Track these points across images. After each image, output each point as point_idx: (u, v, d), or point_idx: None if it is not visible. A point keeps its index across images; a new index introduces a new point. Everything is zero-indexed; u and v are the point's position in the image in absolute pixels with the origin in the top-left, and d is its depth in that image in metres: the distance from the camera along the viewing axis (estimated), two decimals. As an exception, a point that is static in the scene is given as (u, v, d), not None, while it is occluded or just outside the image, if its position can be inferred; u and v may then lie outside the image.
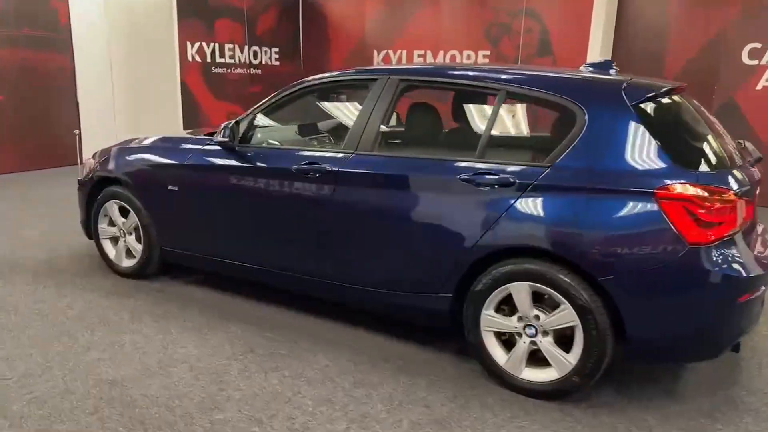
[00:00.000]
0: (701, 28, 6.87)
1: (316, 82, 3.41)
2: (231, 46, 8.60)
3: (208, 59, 8.31)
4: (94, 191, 4.13)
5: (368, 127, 3.12)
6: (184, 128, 8.14)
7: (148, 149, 3.90)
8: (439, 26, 8.75)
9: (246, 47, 8.85)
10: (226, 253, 3.59)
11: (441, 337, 3.23)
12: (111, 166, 3.98)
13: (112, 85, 8.73)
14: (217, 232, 3.58)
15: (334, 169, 3.10)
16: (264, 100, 3.57)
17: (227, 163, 3.48)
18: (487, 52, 8.35)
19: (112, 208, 4.01)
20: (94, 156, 4.24)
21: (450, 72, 3.20)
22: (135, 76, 8.50)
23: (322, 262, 3.20)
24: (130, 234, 4.02)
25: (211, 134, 3.89)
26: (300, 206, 3.22)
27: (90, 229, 4.25)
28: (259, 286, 3.76)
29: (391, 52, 9.07)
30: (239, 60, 8.76)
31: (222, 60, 8.51)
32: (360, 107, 3.23)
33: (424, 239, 2.88)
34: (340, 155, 3.14)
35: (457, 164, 2.82)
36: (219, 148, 3.54)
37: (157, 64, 8.19)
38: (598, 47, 7.21)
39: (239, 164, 3.44)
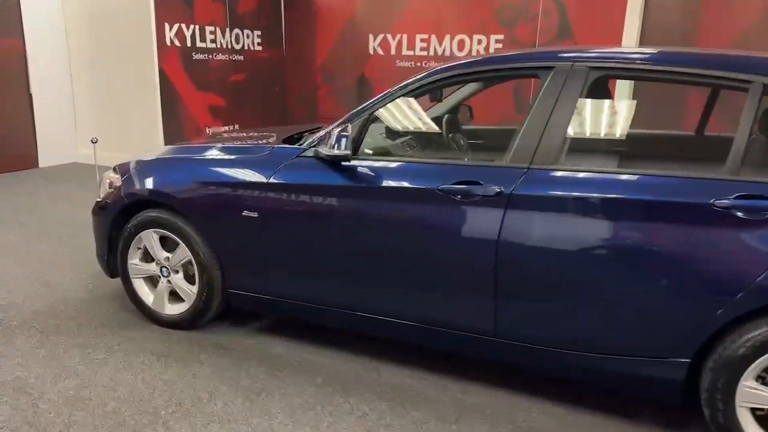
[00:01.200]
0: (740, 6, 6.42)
1: (456, 72, 2.58)
2: (212, 28, 7.48)
3: (188, 43, 7.17)
4: (121, 217, 3.12)
5: (548, 133, 2.33)
6: (164, 126, 7.00)
7: (208, 162, 2.94)
8: (442, 7, 7.96)
9: (227, 30, 7.75)
10: (336, 300, 2.72)
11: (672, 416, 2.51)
12: (150, 183, 3.00)
13: (70, 73, 7.44)
14: (321, 272, 2.70)
15: (502, 190, 2.30)
16: (377, 97, 2.70)
17: (336, 182, 2.60)
18: (501, 37, 7.64)
19: (151, 239, 3.04)
20: (116, 170, 3.22)
21: (675, 58, 2.34)
22: (101, 61, 7.25)
23: (483, 314, 2.41)
24: (177, 272, 3.06)
25: (291, 140, 2.99)
26: (447, 240, 2.40)
27: (112, 265, 3.25)
28: (350, 335, 2.92)
29: (389, 36, 8.21)
30: (220, 44, 7.66)
31: (203, 44, 7.38)
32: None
33: (657, 286, 2.14)
34: (505, 170, 2.35)
35: (715, 184, 2.08)
36: (317, 161, 2.65)
37: (129, 47, 6.99)
38: (633, 32, 6.65)
39: (353, 183, 2.58)
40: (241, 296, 2.93)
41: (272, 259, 2.78)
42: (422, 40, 8.07)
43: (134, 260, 3.15)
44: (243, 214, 2.77)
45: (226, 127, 7.94)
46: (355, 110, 2.71)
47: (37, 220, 5.03)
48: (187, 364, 2.79)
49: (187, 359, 2.83)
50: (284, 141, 3.00)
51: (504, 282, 2.34)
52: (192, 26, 7.15)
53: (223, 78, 7.80)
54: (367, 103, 2.70)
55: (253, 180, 2.75)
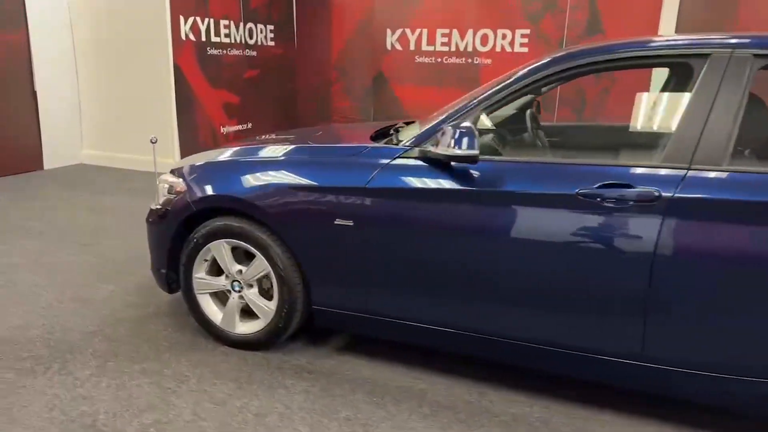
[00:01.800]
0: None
1: (590, 59, 2.27)
2: (226, 22, 7.11)
3: (203, 38, 6.80)
4: (185, 226, 2.79)
5: (709, 130, 2.05)
6: (179, 127, 6.62)
7: (292, 165, 2.61)
8: (464, 0, 7.68)
9: (241, 24, 7.38)
10: (448, 320, 2.41)
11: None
12: (224, 189, 2.66)
13: (75, 69, 7.02)
14: (430, 288, 2.39)
15: (660, 194, 2.01)
16: (490, 89, 2.39)
17: (450, 186, 2.30)
18: (527, 31, 7.39)
19: (222, 250, 2.70)
20: (175, 173, 2.88)
21: None
22: (109, 56, 6.84)
23: (631, 336, 2.13)
24: (251, 287, 2.73)
25: (383, 136, 2.68)
26: (587, 251, 2.12)
27: (171, 280, 2.92)
28: (437, 355, 2.62)
29: (408, 30, 7.91)
30: (234, 39, 7.29)
31: (217, 39, 7.01)
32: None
33: None
34: (660, 171, 2.06)
35: None
36: (423, 162, 2.35)
37: (141, 42, 6.59)
38: (670, 26, 6.43)
39: (471, 188, 2.27)
40: (327, 313, 2.62)
41: (370, 272, 2.46)
42: (443, 35, 7.79)
43: (200, 274, 2.81)
44: (336, 222, 2.45)
45: (236, 127, 7.57)
46: (463, 104, 2.41)
47: (53, 226, 4.64)
48: (274, 392, 2.46)
49: (272, 386, 2.51)
50: (378, 137, 2.69)
51: (659, 299, 2.05)
52: (207, 19, 6.78)
53: (238, 74, 7.44)
54: (478, 95, 2.40)
55: (348, 185, 2.43)
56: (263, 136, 3.41)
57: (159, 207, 2.83)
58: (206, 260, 2.80)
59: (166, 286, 2.95)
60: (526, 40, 7.39)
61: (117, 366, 2.65)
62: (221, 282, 2.79)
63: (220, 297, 2.89)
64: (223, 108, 7.28)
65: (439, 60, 7.79)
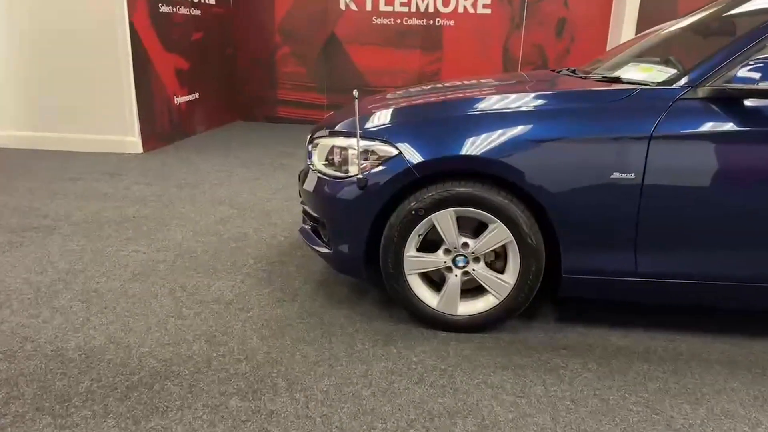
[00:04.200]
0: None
1: None
2: (174, -26, 6.19)
3: (155, -8, 5.85)
4: (396, 196, 2.36)
5: None
6: (138, 96, 5.67)
7: (545, 115, 2.29)
8: (419, -40, 7.42)
9: (187, -23, 6.48)
10: (741, 273, 2.28)
11: None
12: (456, 148, 2.27)
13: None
14: (731, 240, 2.24)
15: None
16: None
17: (753, 127, 2.16)
18: (488, 1, 7.32)
19: (448, 221, 2.32)
20: (348, 135, 2.41)
21: None
22: (43, 11, 5.62)
23: None
24: (478, 261, 2.39)
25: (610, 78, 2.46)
26: None
27: (367, 263, 2.47)
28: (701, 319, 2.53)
29: (363, -11, 7.47)
30: (182, -5, 6.38)
31: (168, -6, 6.08)
32: None
33: None
34: None
35: None
36: (713, 103, 2.18)
37: (85, -3, 5.50)
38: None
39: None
40: (582, 282, 2.36)
41: (651, 228, 2.25)
42: (402, 4, 7.46)
43: (411, 251, 2.40)
44: (612, 177, 2.20)
45: (187, 97, 6.73)
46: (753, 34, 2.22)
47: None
48: (559, 375, 2.18)
49: (549, 368, 2.22)
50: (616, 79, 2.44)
51: None
52: (157, -29, 5.84)
53: (186, 36, 6.57)
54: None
55: (628, 133, 2.18)
56: (412, 89, 2.98)
57: (359, 177, 2.35)
58: (420, 235, 2.38)
59: (364, 273, 2.48)
60: (488, 1, 7.33)
61: (353, 369, 2.17)
62: (440, 258, 2.40)
63: (429, 277, 2.49)
64: (176, 75, 6.39)
65: (399, 21, 7.48)
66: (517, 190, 2.29)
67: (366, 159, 2.37)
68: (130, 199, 4.21)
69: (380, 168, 2.34)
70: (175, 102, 6.38)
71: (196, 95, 6.84)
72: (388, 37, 7.55)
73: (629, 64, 2.72)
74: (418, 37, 7.50)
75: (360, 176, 2.34)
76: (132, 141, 5.73)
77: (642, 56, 2.86)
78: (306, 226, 2.79)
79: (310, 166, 2.63)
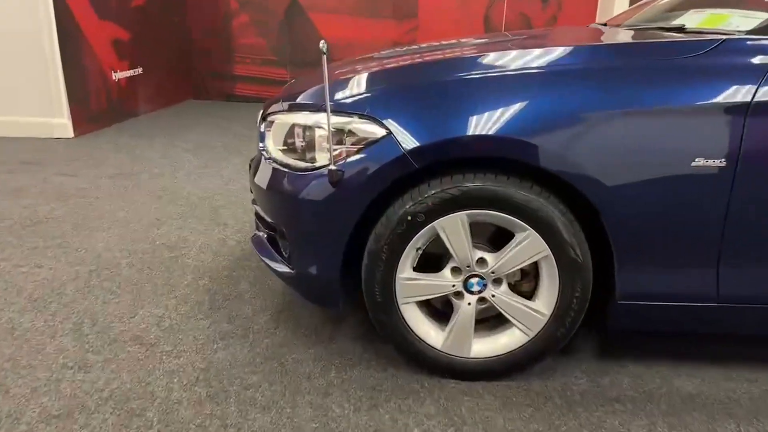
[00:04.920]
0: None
1: None
2: (106, -73, 5.29)
3: (83, -53, 4.95)
4: (385, 196, 1.65)
5: None
6: (65, 69, 4.80)
7: (592, 77, 1.59)
8: None
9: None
10: None
11: None
12: (464, 127, 1.57)
13: None
14: None
15: None
16: None
17: None
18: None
19: (459, 228, 1.63)
20: (340, 109, 1.68)
21: None
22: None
23: None
24: (498, 283, 1.70)
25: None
26: None
27: (344, 288, 1.77)
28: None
29: (328, -50, 6.66)
30: (116, -47, 5.49)
31: (99, -50, 5.19)
32: None
33: None
34: None
35: None
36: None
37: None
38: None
39: None
40: (645, 310, 1.70)
41: (747, 238, 1.59)
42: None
43: (407, 272, 1.70)
44: (694, 164, 1.52)
45: (128, 72, 5.88)
46: None
47: None
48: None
49: (600, 426, 1.56)
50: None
51: None
52: None
53: (125, 1, 5.68)
54: None
55: (714, 102, 1.51)
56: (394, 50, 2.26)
57: (330, 168, 1.63)
58: (419, 249, 1.69)
59: (339, 300, 1.77)
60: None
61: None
62: (447, 281, 1.70)
63: (430, 305, 1.81)
64: (113, 46, 5.52)
65: (368, -16, 6.70)
66: (555, 185, 1.61)
67: (340, 142, 1.66)
68: (46, 195, 3.41)
69: (361, 155, 1.63)
70: (113, 78, 5.52)
71: (139, 70, 5.97)
72: (358, 4, 6.77)
73: (689, 12, 2.04)
74: (390, 5, 6.74)
75: (332, 167, 1.63)
76: (60, 123, 4.87)
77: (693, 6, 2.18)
78: (260, 234, 2.07)
79: (263, 152, 1.91)
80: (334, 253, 1.70)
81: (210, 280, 2.40)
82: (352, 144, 1.64)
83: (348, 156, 1.63)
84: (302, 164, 1.73)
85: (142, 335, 1.99)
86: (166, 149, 4.56)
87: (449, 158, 1.59)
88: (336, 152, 1.65)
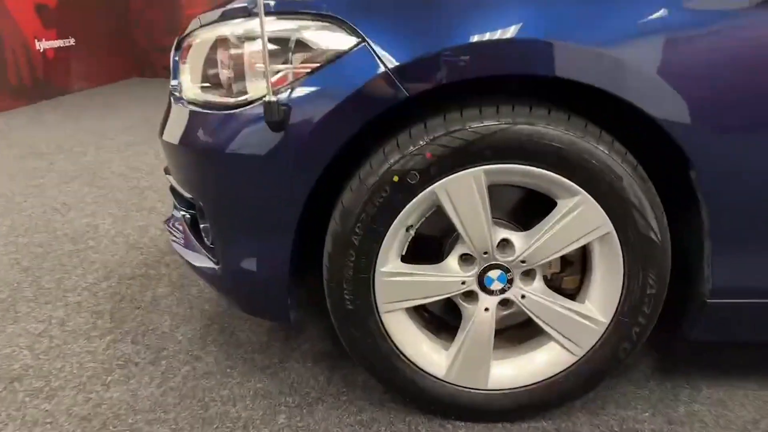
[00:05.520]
0: None
1: None
2: None
3: None
4: (354, 148, 1.04)
5: None
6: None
7: None
8: None
9: None
10: None
11: None
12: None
13: None
14: None
15: None
16: None
17: None
18: None
19: (472, 194, 1.03)
20: (283, 8, 1.06)
21: None
22: None
23: None
24: (530, 277, 1.12)
25: None
26: None
27: (295, 292, 1.16)
28: None
29: None
30: None
31: None
32: None
33: None
34: None
35: None
36: None
37: None
38: None
39: None
40: (747, 311, 1.14)
41: None
42: None
43: (391, 264, 1.10)
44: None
45: (57, 42, 5.14)
46: None
47: None
48: None
49: None
50: None
51: None
52: None
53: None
54: None
55: None
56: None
57: (267, 100, 1.00)
58: (409, 229, 1.08)
59: (290, 309, 1.16)
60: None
61: None
62: (455, 274, 1.11)
63: (427, 312, 1.22)
64: (37, 12, 4.77)
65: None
66: (624, 131, 1.04)
67: (286, 61, 1.04)
68: (-71, 178, 2.72)
69: (317, 80, 1.02)
70: (38, 48, 4.77)
71: (71, 41, 5.22)
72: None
73: None
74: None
75: (270, 98, 1.00)
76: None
77: None
78: (178, 215, 1.44)
79: (175, 92, 1.28)
80: (279, 238, 1.09)
81: (118, 281, 1.76)
82: (303, 62, 1.03)
83: (297, 82, 1.02)
84: (228, 100, 1.11)
85: (6, 364, 1.35)
86: (96, 127, 3.86)
87: (457, 81, 0.99)
88: (277, 76, 1.03)
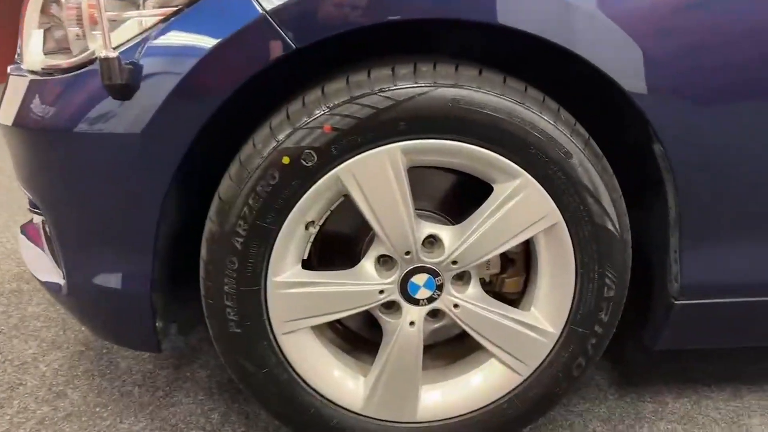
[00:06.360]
0: None
1: None
2: None
3: None
4: (227, 117, 0.80)
5: None
6: None
7: None
8: None
9: None
10: None
11: None
12: None
13: None
14: None
15: None
16: None
17: None
18: None
19: (388, 179, 0.81)
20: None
21: None
22: None
23: None
24: (464, 281, 0.90)
25: None
26: None
27: (167, 311, 0.90)
28: None
29: None
30: None
31: None
32: None
33: None
34: None
35: None
36: None
37: None
38: None
39: None
40: (720, 312, 0.96)
41: None
42: None
43: (288, 272, 0.85)
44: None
45: None
46: None
47: None
48: None
49: None
50: None
51: None
52: None
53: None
54: None
55: None
56: None
57: (104, 56, 0.74)
58: (309, 226, 0.84)
59: (155, 334, 0.90)
60: None
61: None
62: (371, 282, 0.87)
63: (339, 329, 0.99)
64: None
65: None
66: (567, 89, 0.84)
67: (138, 7, 0.78)
68: None
69: (172, 28, 0.76)
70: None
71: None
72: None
73: None
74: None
75: (107, 54, 0.74)
76: None
77: None
78: (36, 221, 1.16)
79: (16, 67, 1.00)
80: (137, 245, 0.83)
81: (-23, 299, 1.45)
82: (154, 6, 0.77)
83: (146, 33, 0.77)
84: (71, 61, 0.84)
85: None
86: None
87: (359, 28, 0.76)
88: (123, 27, 0.77)
